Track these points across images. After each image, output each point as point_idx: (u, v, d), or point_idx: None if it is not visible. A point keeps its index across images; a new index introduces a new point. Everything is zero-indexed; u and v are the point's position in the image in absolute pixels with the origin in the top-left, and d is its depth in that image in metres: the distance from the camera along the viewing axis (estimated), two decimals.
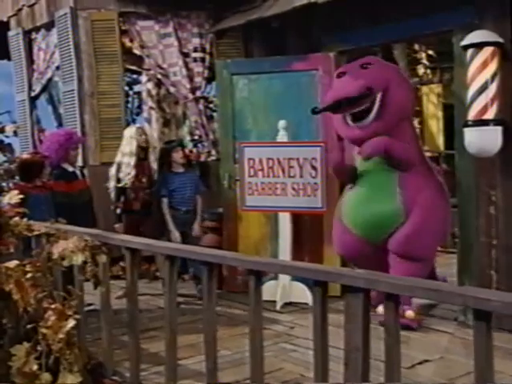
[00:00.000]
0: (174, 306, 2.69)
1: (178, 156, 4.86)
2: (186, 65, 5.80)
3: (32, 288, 2.89)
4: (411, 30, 4.49)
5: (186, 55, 5.82)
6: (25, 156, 4.55)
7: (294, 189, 4.65)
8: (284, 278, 4.66)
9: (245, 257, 2.41)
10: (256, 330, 2.27)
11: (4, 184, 5.66)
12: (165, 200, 4.82)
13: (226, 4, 5.41)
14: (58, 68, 6.46)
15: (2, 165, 5.84)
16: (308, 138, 4.84)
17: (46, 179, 4.38)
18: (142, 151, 4.89)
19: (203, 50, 5.80)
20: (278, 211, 4.78)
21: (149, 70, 7.21)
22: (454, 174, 4.53)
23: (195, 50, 5.80)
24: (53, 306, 2.69)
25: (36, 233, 3.14)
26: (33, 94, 6.74)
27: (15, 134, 6.34)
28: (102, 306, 3.07)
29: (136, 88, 8.32)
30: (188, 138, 9.04)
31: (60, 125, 7.39)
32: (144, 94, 7.52)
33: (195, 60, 5.81)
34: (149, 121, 6.92)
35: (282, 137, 4.76)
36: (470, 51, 3.79)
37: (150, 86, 7.50)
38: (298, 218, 4.91)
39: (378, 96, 3.88)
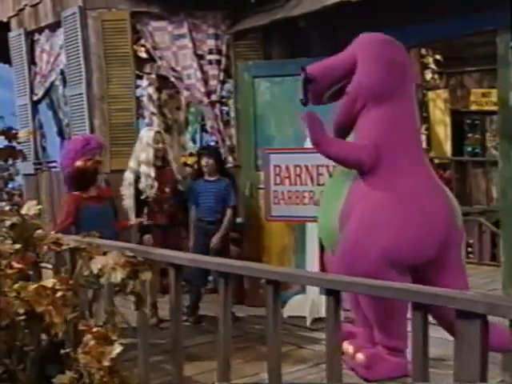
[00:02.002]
0: (229, 327, 2.42)
1: (202, 164, 4.57)
2: (200, 67, 5.53)
3: (63, 308, 2.61)
4: (447, 31, 4.29)
5: (200, 57, 5.55)
6: (77, 163, 4.13)
7: None
8: (313, 292, 4.41)
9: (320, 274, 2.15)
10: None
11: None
12: (193, 208, 4.56)
13: (244, 4, 5.17)
14: (61, 71, 6.17)
15: (8, 169, 5.52)
16: None
17: (100, 188, 4.07)
18: (158, 159, 4.55)
19: (219, 52, 5.54)
20: (306, 221, 4.52)
21: (150, 73, 6.99)
22: (464, 181, 4.41)
23: (210, 52, 5.53)
24: (94, 329, 2.40)
25: (65, 247, 2.85)
26: (35, 98, 6.42)
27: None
28: (139, 327, 2.78)
29: (137, 92, 8.08)
30: (190, 144, 8.83)
31: (60, 130, 7.09)
32: (145, 99, 7.29)
33: (210, 62, 5.54)
34: (150, 126, 6.66)
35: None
36: None
37: (150, 90, 7.28)
38: None
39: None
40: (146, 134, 4.62)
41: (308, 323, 4.29)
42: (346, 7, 4.36)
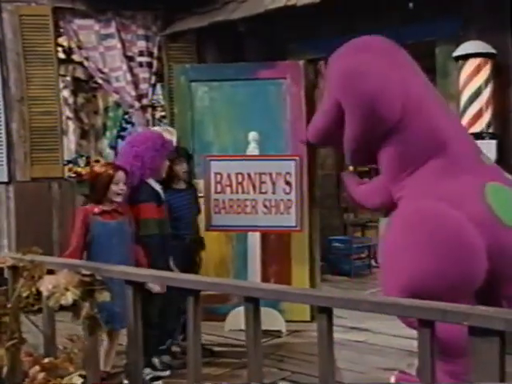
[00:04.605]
0: (199, 350, 2.21)
1: (181, 169, 3.88)
2: (130, 70, 5.23)
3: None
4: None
5: (130, 59, 5.25)
6: (95, 167, 3.39)
7: (265, 206, 4.27)
8: None
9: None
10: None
11: None
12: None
13: (177, 5, 4.96)
14: None
15: None
16: (275, 152, 4.51)
17: (119, 199, 3.21)
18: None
19: (150, 54, 5.27)
20: (248, 231, 4.37)
21: (65, 75, 6.58)
22: None
23: (141, 54, 5.25)
24: (46, 360, 2.11)
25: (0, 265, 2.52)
26: None
27: None
28: (88, 356, 2.46)
29: None
30: (108, 151, 8.42)
31: None
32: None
33: (141, 65, 5.26)
34: (65, 132, 6.27)
35: (253, 150, 4.38)
36: (460, 62, 3.71)
37: (66, 93, 6.85)
38: (264, 237, 4.55)
39: None
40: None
41: None
42: (286, 13, 4.30)
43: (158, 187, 3.53)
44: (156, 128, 4.10)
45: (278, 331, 4.26)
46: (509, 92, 3.75)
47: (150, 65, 5.27)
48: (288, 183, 4.24)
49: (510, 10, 3.55)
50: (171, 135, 3.92)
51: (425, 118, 2.68)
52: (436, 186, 2.59)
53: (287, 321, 4.30)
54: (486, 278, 2.50)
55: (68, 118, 7.00)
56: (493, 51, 3.64)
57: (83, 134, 7.27)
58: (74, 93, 7.05)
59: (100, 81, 5.35)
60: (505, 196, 2.59)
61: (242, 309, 4.30)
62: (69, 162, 5.52)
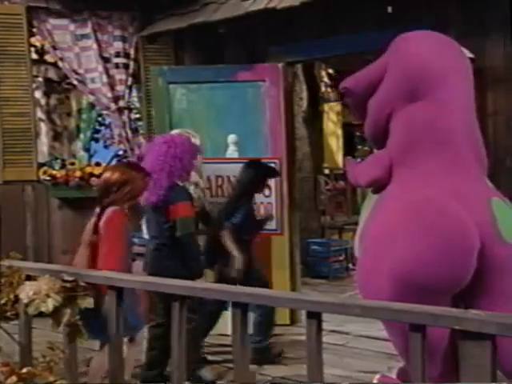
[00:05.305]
0: (183, 357, 2.17)
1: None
2: (106, 71, 5.14)
3: None
4: (363, 44, 4.34)
5: (106, 60, 5.17)
6: (126, 170, 3.14)
7: None
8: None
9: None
10: None
11: None
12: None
13: (155, 6, 4.90)
14: None
15: None
16: (254, 155, 4.46)
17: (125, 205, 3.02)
18: None
19: (127, 56, 5.19)
20: None
21: (37, 76, 6.45)
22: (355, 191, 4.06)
23: (117, 55, 5.17)
24: (24, 370, 2.04)
25: None
26: None
27: None
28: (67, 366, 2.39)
29: None
30: (82, 153, 8.28)
31: None
32: None
33: (117, 66, 5.17)
34: (37, 134, 6.14)
35: (233, 152, 4.35)
36: None
37: (38, 95, 6.71)
38: None
39: None
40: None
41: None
42: (266, 15, 4.28)
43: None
44: (177, 131, 3.98)
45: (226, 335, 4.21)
46: (486, 96, 3.79)
47: (126, 66, 5.19)
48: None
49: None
50: (195, 138, 3.88)
51: (447, 113, 2.73)
52: (443, 181, 2.57)
53: None
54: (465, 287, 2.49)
55: (40, 119, 6.85)
56: (471, 55, 3.67)
57: (56, 136, 7.12)
58: (47, 94, 6.90)
59: (75, 82, 5.25)
60: (508, 213, 2.59)
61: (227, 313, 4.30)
62: (43, 164, 5.40)
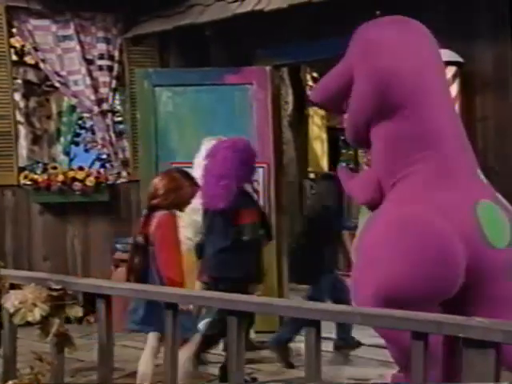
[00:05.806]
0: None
1: None
2: (89, 73, 5.05)
3: None
4: (327, 51, 4.28)
5: (89, 62, 5.07)
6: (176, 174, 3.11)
7: None
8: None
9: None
10: None
11: None
12: None
13: (140, 8, 4.82)
14: None
15: None
16: None
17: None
18: None
19: (111, 58, 5.10)
20: None
21: (16, 78, 6.32)
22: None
23: (101, 57, 5.08)
24: (10, 383, 1.95)
25: None
26: None
27: None
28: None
29: None
30: (62, 157, 8.13)
31: None
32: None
33: (101, 68, 5.08)
34: (16, 137, 6.01)
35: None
36: None
37: (17, 97, 6.58)
38: None
39: None
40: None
41: (221, 348, 4.02)
42: (253, 18, 4.23)
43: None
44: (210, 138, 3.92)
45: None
46: (476, 101, 3.79)
47: (110, 68, 5.11)
48: (255, 191, 4.16)
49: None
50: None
51: (428, 116, 2.54)
52: (427, 193, 2.48)
53: (256, 331, 4.20)
54: (456, 294, 2.42)
55: (19, 122, 6.70)
56: (460, 60, 3.67)
57: (35, 140, 6.97)
58: (26, 96, 6.75)
59: (57, 84, 5.15)
60: (495, 215, 2.50)
61: (207, 321, 4.22)
62: (24, 168, 5.27)
